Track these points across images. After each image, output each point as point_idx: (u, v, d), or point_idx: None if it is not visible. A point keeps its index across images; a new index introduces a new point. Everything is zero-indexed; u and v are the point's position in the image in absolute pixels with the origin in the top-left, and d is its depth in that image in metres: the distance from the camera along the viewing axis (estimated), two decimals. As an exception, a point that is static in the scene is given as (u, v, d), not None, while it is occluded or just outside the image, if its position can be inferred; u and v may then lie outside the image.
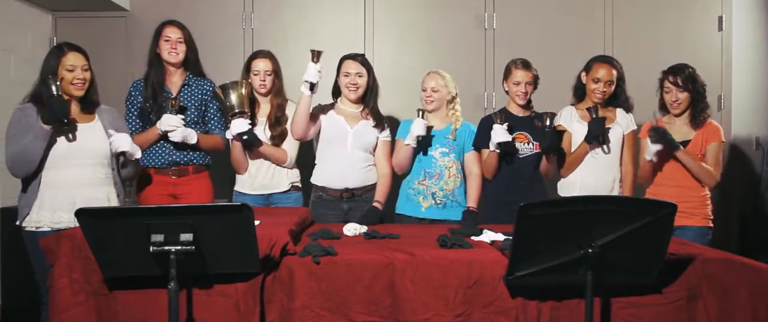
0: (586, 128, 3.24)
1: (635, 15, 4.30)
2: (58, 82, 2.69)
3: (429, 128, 3.29)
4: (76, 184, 2.78)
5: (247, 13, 4.35)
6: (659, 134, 3.07)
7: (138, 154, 2.89)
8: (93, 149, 2.82)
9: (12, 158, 2.75)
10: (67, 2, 4.21)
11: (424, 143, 3.27)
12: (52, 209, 2.75)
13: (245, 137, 3.21)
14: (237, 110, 3.20)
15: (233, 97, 3.20)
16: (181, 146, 3.26)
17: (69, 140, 2.76)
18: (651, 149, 3.09)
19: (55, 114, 2.65)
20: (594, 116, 3.18)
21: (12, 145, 2.75)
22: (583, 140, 3.24)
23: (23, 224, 2.79)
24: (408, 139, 3.22)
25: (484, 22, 4.33)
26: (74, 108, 2.85)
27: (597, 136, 3.18)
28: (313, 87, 3.14)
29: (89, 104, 2.88)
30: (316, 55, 3.14)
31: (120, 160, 2.93)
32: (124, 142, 2.82)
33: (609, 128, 3.25)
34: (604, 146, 3.26)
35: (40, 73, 2.81)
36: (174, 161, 3.29)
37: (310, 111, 3.24)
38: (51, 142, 2.74)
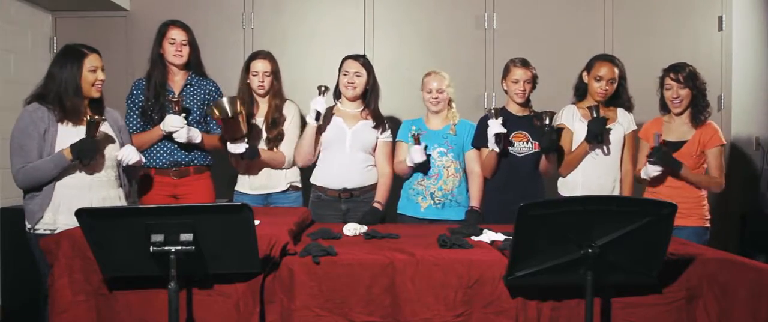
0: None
1: (635, 15, 4.30)
2: (98, 127, 2.71)
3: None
4: (91, 186, 2.78)
5: (247, 13, 4.35)
6: (661, 157, 3.06)
7: (142, 160, 2.91)
8: (106, 151, 2.83)
9: (24, 175, 2.71)
10: (67, 2, 4.21)
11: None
12: (69, 212, 2.71)
13: (244, 156, 3.25)
14: (236, 135, 3.20)
15: (229, 123, 3.17)
16: (184, 146, 3.26)
17: (89, 173, 2.77)
18: (650, 171, 3.10)
19: (86, 155, 2.68)
20: (594, 115, 3.19)
21: (21, 156, 2.71)
22: (583, 140, 3.24)
23: (36, 227, 2.74)
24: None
25: (484, 22, 4.33)
26: (88, 110, 2.86)
27: (597, 135, 3.18)
28: (319, 117, 3.21)
29: (100, 106, 2.89)
30: (323, 90, 3.22)
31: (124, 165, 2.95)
32: (133, 155, 2.84)
33: (609, 129, 3.25)
34: (604, 147, 3.26)
35: (53, 72, 2.77)
36: (175, 161, 3.28)
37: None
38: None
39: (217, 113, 3.18)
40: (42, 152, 2.71)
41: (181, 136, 3.17)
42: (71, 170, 2.74)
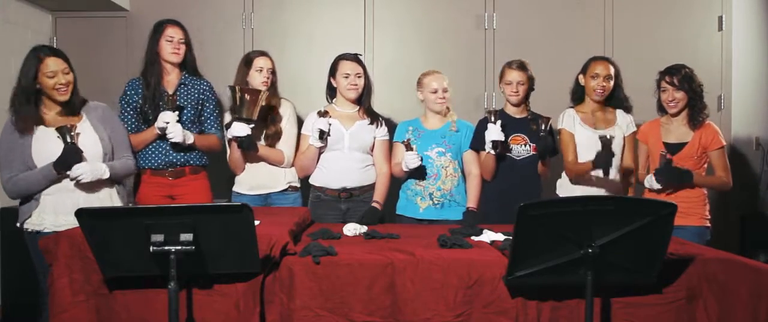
0: (588, 132, 3.25)
1: (635, 15, 4.30)
2: (71, 132, 2.70)
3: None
4: (75, 186, 2.77)
5: (247, 13, 4.35)
6: (670, 178, 3.06)
7: (102, 176, 2.80)
8: (86, 150, 2.78)
9: (13, 185, 2.76)
10: (67, 2, 4.20)
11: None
12: (55, 213, 2.75)
13: (242, 140, 3.19)
14: (244, 116, 3.17)
15: (246, 104, 3.15)
16: (179, 146, 3.24)
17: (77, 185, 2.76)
18: (653, 184, 3.11)
19: (69, 163, 2.69)
20: (603, 148, 3.08)
21: (7, 168, 2.76)
22: (591, 166, 3.17)
23: (25, 226, 2.79)
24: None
25: (484, 22, 4.33)
26: (53, 113, 2.82)
27: (602, 167, 3.12)
28: (323, 135, 3.21)
29: (72, 107, 2.84)
30: (323, 113, 3.22)
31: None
32: (86, 175, 2.73)
33: (613, 155, 3.12)
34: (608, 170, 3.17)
35: (17, 78, 2.77)
36: (171, 161, 3.26)
37: (307, 124, 3.34)
38: (47, 150, 2.74)
39: (235, 93, 3.17)
40: (26, 160, 2.74)
41: (175, 135, 3.12)
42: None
